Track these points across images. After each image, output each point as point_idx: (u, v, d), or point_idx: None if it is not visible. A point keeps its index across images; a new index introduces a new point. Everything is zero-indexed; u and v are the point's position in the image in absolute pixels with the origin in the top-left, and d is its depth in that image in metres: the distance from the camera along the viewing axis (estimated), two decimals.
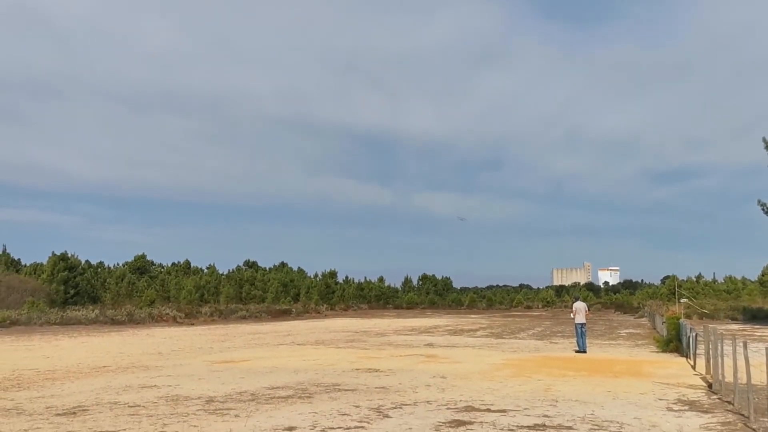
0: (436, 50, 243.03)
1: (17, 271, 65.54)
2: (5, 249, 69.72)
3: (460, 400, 11.55)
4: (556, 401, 11.48)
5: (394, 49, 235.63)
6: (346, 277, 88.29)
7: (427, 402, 11.40)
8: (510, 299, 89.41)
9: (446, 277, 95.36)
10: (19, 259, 70.46)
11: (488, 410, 10.55)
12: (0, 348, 24.08)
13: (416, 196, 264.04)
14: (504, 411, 10.46)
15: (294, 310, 59.49)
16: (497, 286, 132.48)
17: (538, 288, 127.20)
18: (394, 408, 10.78)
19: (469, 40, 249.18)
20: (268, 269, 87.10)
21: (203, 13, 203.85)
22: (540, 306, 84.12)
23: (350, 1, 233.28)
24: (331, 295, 78.72)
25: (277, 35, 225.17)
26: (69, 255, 68.88)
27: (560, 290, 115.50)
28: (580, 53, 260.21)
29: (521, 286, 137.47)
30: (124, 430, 9.00)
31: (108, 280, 73.06)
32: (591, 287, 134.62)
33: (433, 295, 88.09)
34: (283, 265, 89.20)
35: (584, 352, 21.60)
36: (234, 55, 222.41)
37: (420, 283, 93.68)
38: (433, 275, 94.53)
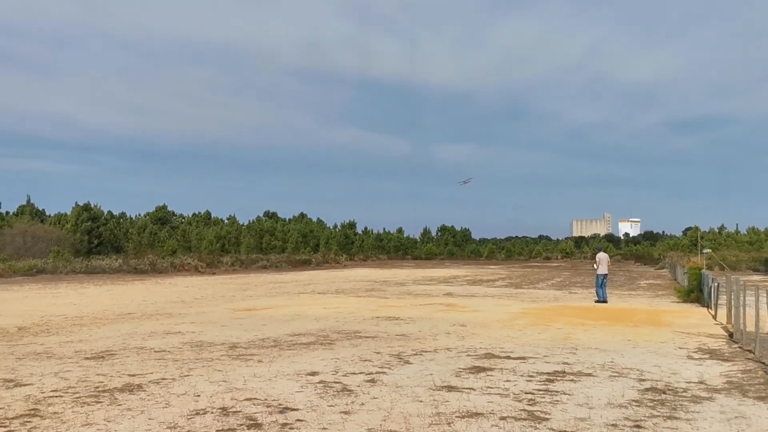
0: None
1: (42, 222, 66.57)
2: (29, 199, 70.73)
3: (480, 348, 11.66)
4: (576, 349, 11.55)
5: None
6: (365, 228, 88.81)
7: (447, 349, 11.52)
8: (529, 250, 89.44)
9: (465, 228, 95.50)
10: (43, 210, 71.51)
11: (508, 357, 10.64)
12: (28, 295, 24.63)
13: (435, 146, 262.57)
14: (523, 358, 10.55)
15: (314, 260, 60.02)
16: (516, 237, 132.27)
17: (558, 239, 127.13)
18: (415, 354, 10.91)
19: None
20: (287, 220, 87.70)
21: None
22: (559, 257, 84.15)
23: None
24: (351, 245, 79.26)
25: None
26: (92, 206, 69.79)
27: (580, 241, 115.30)
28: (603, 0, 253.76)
29: (540, 237, 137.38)
30: (151, 373, 9.21)
31: (130, 231, 74.07)
32: (611, 238, 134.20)
33: (452, 246, 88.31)
34: (303, 216, 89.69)
35: (605, 302, 21.62)
36: (249, 4, 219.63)
37: (439, 234, 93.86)
38: (452, 226, 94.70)
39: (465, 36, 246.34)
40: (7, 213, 67.01)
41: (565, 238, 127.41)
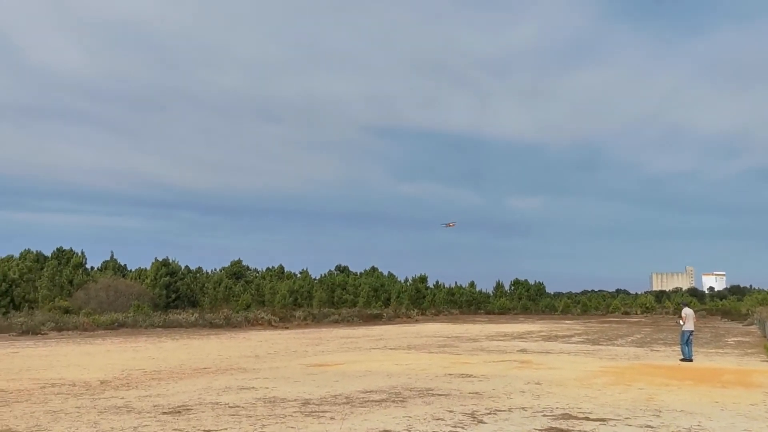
0: (525, 49, 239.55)
1: (123, 276, 69.09)
2: (113, 255, 73.65)
3: (557, 408, 11.27)
4: (660, 411, 11.01)
5: (482, 49, 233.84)
6: (437, 282, 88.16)
7: (522, 408, 11.18)
8: (606, 305, 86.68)
9: (539, 282, 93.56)
10: (125, 265, 74.25)
11: (587, 419, 10.24)
12: (110, 349, 25.43)
13: (506, 198, 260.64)
14: (603, 420, 10.12)
15: (385, 314, 59.86)
16: (592, 291, 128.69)
17: (636, 293, 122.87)
18: (489, 414, 10.64)
19: (559, 37, 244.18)
20: (358, 274, 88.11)
21: (292, 21, 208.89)
22: (638, 312, 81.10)
23: (437, 3, 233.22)
24: (422, 299, 78.76)
25: (364, 40, 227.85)
26: (170, 261, 72.06)
27: (660, 296, 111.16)
28: (680, 48, 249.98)
29: (618, 291, 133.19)
30: (225, 429, 9.29)
31: (206, 285, 75.89)
32: (694, 293, 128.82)
33: (525, 300, 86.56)
34: (374, 269, 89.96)
35: (690, 360, 20.62)
36: (323, 61, 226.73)
37: (512, 288, 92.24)
38: (526, 280, 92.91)
39: (536, 88, 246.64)
40: (92, 268, 69.89)
41: (645, 292, 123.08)
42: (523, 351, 24.66)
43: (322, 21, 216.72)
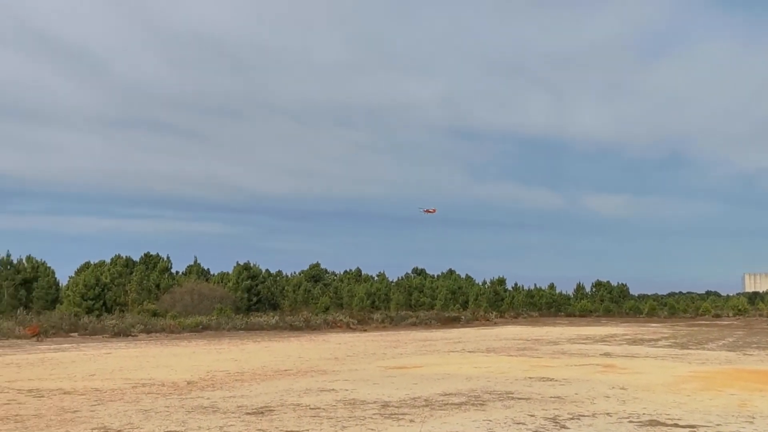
0: (604, 45, 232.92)
1: (207, 280, 71.30)
2: (196, 260, 76.11)
3: (643, 413, 10.91)
4: (753, 418, 10.49)
5: (559, 48, 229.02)
6: (515, 284, 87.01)
7: (607, 414, 10.88)
8: (695, 307, 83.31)
9: (622, 284, 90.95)
10: (208, 269, 76.56)
11: (675, 425, 9.86)
12: (195, 350, 26.28)
13: (586, 198, 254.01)
14: (693, 427, 9.73)
15: (463, 317, 59.48)
16: (680, 292, 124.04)
17: (728, 295, 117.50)
18: (572, 419, 10.40)
19: (639, 33, 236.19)
20: (435, 276, 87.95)
21: (364, 24, 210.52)
22: (730, 314, 77.60)
23: (512, 2, 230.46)
24: (500, 302, 77.88)
25: (438, 42, 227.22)
26: (251, 265, 73.87)
27: (754, 297, 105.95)
28: None
29: (708, 293, 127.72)
30: (307, 430, 9.44)
31: (286, 288, 77.44)
32: None
33: (608, 302, 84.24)
34: (451, 272, 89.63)
35: None
36: (396, 64, 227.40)
37: (594, 290, 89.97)
38: (608, 281, 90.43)
39: (615, 85, 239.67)
40: (177, 272, 72.40)
41: (737, 294, 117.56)
42: (607, 355, 24.00)
43: (394, 23, 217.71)
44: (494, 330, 45.38)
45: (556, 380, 15.73)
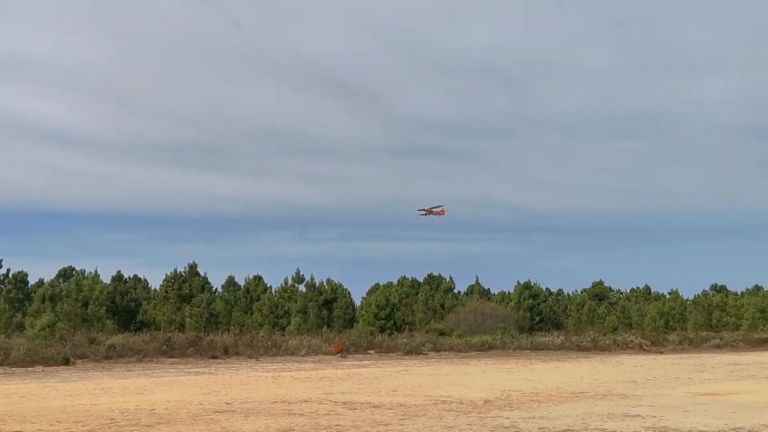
0: None
1: (488, 300, 72.17)
2: (478, 279, 77.50)
3: None
4: None
5: None
6: None
7: None
8: None
9: None
10: (488, 288, 77.40)
11: None
12: (485, 369, 26.56)
13: None
14: None
15: None
16: None
17: None
18: None
19: None
20: (739, 293, 79.01)
21: (635, 27, 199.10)
22: None
23: None
24: None
25: (727, 38, 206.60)
26: (531, 283, 73.28)
27: None
28: None
29: None
30: None
31: (569, 307, 75.21)
32: None
33: None
34: (758, 288, 79.73)
35: None
36: (679, 65, 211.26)
37: None
38: None
39: None
40: (459, 292, 74.42)
41: None
42: None
43: (673, 22, 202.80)
44: None
45: None
